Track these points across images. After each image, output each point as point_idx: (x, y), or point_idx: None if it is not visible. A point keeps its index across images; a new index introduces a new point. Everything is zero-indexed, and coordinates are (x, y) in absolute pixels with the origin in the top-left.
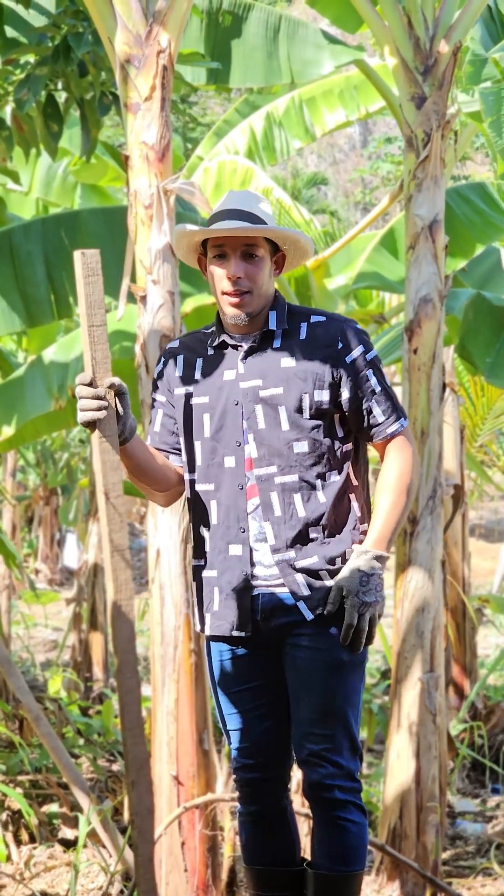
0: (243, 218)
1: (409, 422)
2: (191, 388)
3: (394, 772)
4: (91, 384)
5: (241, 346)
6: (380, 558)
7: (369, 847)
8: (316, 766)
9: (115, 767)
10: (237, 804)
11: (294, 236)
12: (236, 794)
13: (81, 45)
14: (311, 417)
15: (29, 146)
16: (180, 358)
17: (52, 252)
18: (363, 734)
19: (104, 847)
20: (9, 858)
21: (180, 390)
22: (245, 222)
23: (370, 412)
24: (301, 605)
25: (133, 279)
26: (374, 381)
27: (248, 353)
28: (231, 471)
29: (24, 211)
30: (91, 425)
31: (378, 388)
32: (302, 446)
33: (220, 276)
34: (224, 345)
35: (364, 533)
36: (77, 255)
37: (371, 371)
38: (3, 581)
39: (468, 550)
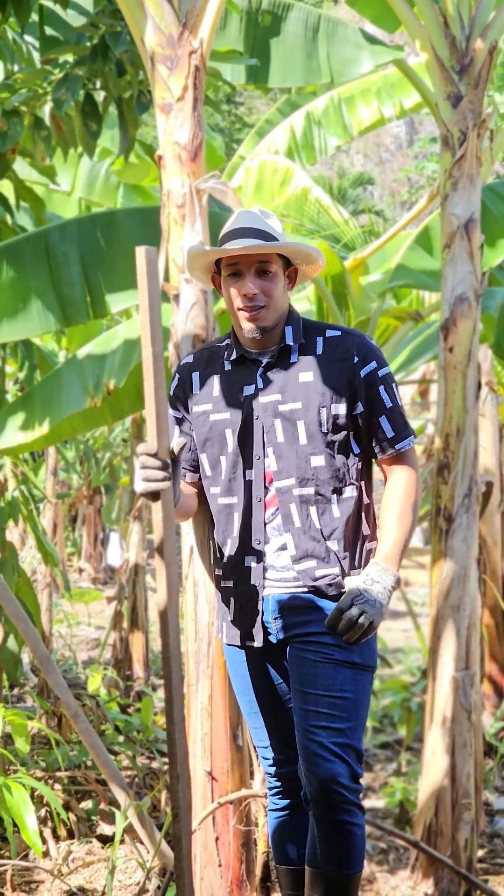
0: (255, 236)
1: (444, 420)
2: (210, 405)
3: (429, 769)
4: (156, 455)
5: (259, 361)
6: (389, 572)
7: (404, 844)
8: (322, 761)
9: (153, 765)
10: (270, 803)
11: (305, 251)
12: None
13: (119, 44)
14: (329, 432)
15: (68, 145)
16: (196, 374)
17: (87, 252)
18: (402, 732)
19: (141, 843)
20: (47, 854)
21: (199, 407)
22: (257, 240)
23: (379, 427)
24: (324, 602)
25: (166, 278)
26: (385, 397)
27: (266, 368)
28: (250, 484)
29: (67, 211)
30: (154, 495)
31: (389, 405)
32: (319, 460)
33: (235, 293)
34: (242, 360)
35: (371, 552)
36: (139, 251)
37: (383, 387)
38: (45, 580)
39: None
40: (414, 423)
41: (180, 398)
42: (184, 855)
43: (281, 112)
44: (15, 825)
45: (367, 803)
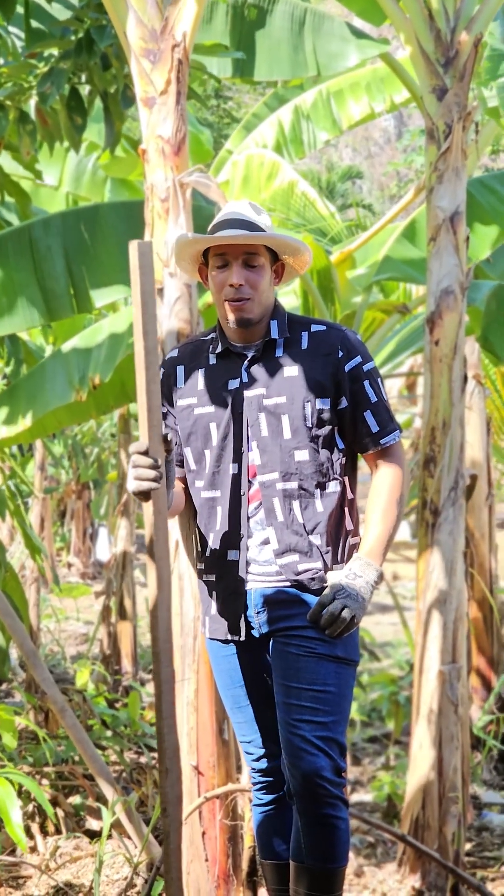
0: (244, 227)
1: (430, 413)
2: (195, 399)
3: (416, 762)
4: (146, 453)
5: (244, 355)
6: (372, 567)
7: (392, 838)
8: (307, 755)
9: (141, 759)
10: (254, 798)
11: (293, 244)
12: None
13: (104, 38)
14: (314, 426)
15: (53, 139)
16: (181, 368)
17: (71, 246)
18: (391, 725)
19: (129, 838)
20: (34, 849)
21: (184, 401)
22: (246, 231)
23: (364, 422)
24: (307, 597)
25: None
26: (370, 391)
27: (251, 362)
28: (235, 477)
29: (54, 206)
30: (146, 495)
31: (374, 399)
32: (303, 454)
33: (221, 283)
34: (227, 353)
35: (354, 547)
36: (132, 245)
37: (368, 381)
38: (32, 574)
39: (495, 542)
40: (401, 417)
41: (165, 392)
42: (172, 849)
43: (268, 106)
44: (1, 821)
45: (355, 797)
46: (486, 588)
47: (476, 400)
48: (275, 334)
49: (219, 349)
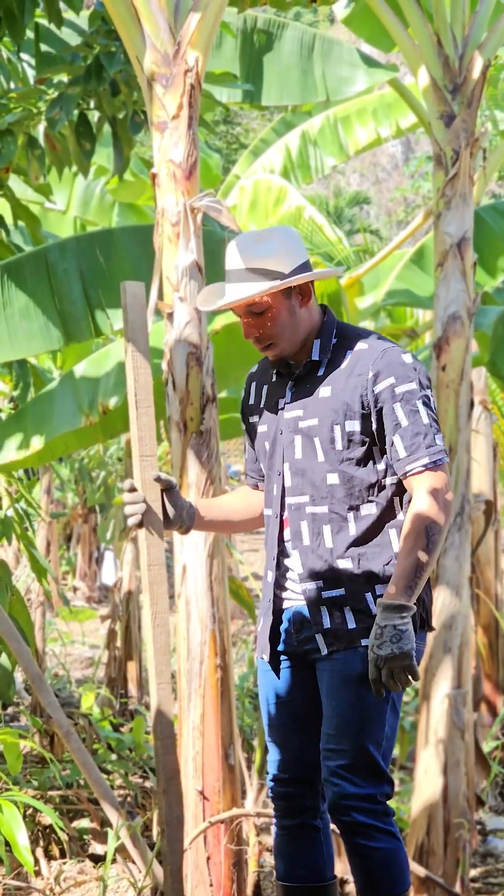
0: (239, 278)
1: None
2: (257, 417)
3: (421, 788)
4: (133, 490)
5: (291, 374)
6: (393, 608)
7: None
8: (331, 785)
9: (146, 783)
10: (271, 818)
11: (286, 284)
12: (262, 809)
13: (113, 64)
14: (345, 448)
15: (62, 165)
16: (253, 385)
17: (87, 270)
18: (396, 751)
19: (133, 862)
20: (39, 873)
21: (252, 418)
22: (242, 283)
23: (393, 446)
24: (319, 637)
25: (160, 296)
26: (400, 414)
27: (295, 382)
28: (275, 499)
29: (62, 230)
30: (140, 524)
31: (405, 423)
32: (334, 478)
33: (244, 332)
34: (280, 372)
35: None
36: (124, 286)
37: (400, 404)
38: (38, 598)
39: (501, 568)
40: None
41: (243, 409)
42: (173, 870)
43: (276, 131)
44: (7, 844)
45: None
46: (495, 612)
47: (483, 425)
48: (316, 356)
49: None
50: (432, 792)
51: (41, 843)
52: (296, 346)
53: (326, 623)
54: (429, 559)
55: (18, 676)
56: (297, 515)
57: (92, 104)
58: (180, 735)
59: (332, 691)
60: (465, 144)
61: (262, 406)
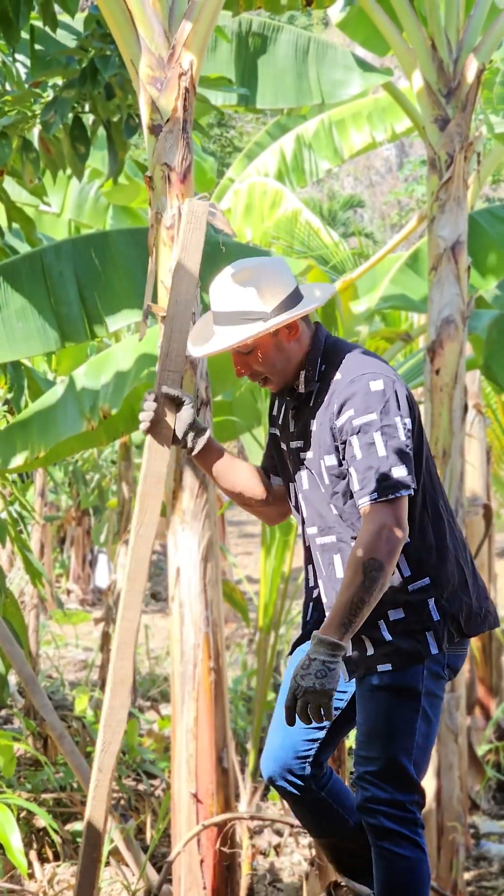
0: (224, 321)
1: (431, 442)
2: (278, 431)
3: None
4: (155, 399)
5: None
6: (326, 643)
7: None
8: (361, 789)
9: (139, 787)
10: (265, 822)
11: (266, 330)
12: (255, 813)
13: (108, 67)
14: (331, 483)
15: (56, 168)
16: (277, 398)
17: (83, 272)
18: None
19: (126, 865)
20: (32, 876)
21: (273, 430)
22: (226, 326)
23: (350, 479)
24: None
25: (154, 300)
26: (356, 447)
27: (295, 412)
28: (300, 526)
29: (57, 232)
30: (147, 432)
31: (359, 455)
32: (332, 509)
33: None
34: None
35: (418, 591)
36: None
37: (356, 437)
38: (32, 600)
39: (494, 572)
40: None
41: (270, 418)
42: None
43: (270, 135)
44: (1, 847)
45: None
46: None
47: (476, 429)
48: (302, 388)
49: None
50: (426, 796)
51: (35, 845)
52: (291, 377)
53: (347, 651)
54: (365, 596)
55: (12, 679)
56: (314, 545)
57: (87, 107)
58: (174, 738)
59: (360, 700)
60: (459, 148)
61: (279, 423)
